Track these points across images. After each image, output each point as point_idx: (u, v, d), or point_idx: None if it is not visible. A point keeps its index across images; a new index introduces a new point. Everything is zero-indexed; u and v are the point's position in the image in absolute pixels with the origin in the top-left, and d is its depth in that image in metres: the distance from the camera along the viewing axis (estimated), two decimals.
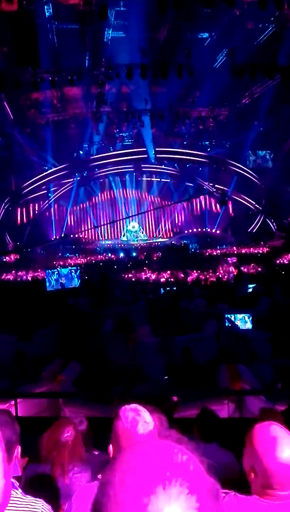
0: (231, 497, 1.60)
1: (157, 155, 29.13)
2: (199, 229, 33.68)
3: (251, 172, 29.00)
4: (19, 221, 29.57)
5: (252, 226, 30.56)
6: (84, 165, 29.51)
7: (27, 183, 27.81)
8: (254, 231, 30.35)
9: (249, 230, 30.42)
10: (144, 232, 34.98)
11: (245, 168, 28.90)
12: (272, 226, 29.95)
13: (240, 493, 1.63)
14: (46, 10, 16.11)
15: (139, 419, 1.77)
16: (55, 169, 28.69)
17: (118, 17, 16.84)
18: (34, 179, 28.08)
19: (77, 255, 28.97)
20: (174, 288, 14.40)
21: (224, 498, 1.54)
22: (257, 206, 30.22)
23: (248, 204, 30.59)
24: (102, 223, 33.80)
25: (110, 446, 1.85)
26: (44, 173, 28.60)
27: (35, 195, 29.27)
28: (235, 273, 18.15)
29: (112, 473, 0.66)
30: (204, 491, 0.64)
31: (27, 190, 28.06)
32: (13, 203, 27.95)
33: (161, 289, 14.55)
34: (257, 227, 30.38)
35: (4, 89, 18.68)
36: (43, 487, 2.34)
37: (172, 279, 17.97)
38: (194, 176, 32.29)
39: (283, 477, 1.55)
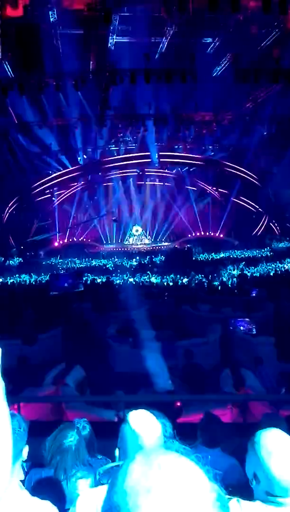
0: (234, 503, 1.59)
1: (161, 159, 29.16)
2: (203, 233, 33.70)
3: (254, 176, 28.99)
4: (23, 225, 29.67)
5: (256, 230, 30.52)
6: (95, 167, 29.58)
7: (32, 187, 27.90)
8: (258, 234, 30.31)
9: (252, 234, 30.39)
10: (147, 236, 35.02)
11: (249, 172, 28.90)
12: (275, 229, 29.90)
13: (243, 498, 1.62)
14: (50, 16, 16.21)
15: (147, 425, 1.77)
16: (64, 171, 28.75)
17: (122, 22, 16.92)
18: (41, 181, 28.17)
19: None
20: (178, 292, 14.37)
21: (228, 504, 1.53)
22: (261, 210, 30.20)
23: (252, 208, 30.57)
24: (105, 227, 33.93)
25: (117, 450, 1.86)
26: (51, 176, 28.64)
27: (39, 199, 29.36)
28: (238, 277, 18.10)
29: (119, 479, 0.67)
30: (209, 502, 0.64)
31: (31, 194, 28.15)
32: (17, 207, 28.05)
33: (165, 293, 14.53)
34: (260, 231, 30.34)
35: (9, 94, 18.77)
36: (47, 492, 2.34)
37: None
38: (197, 180, 32.35)
39: (285, 484, 1.55)
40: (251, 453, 1.67)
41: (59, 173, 28.73)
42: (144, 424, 1.77)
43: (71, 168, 28.80)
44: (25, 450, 1.95)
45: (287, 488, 1.55)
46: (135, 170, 31.71)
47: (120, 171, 31.28)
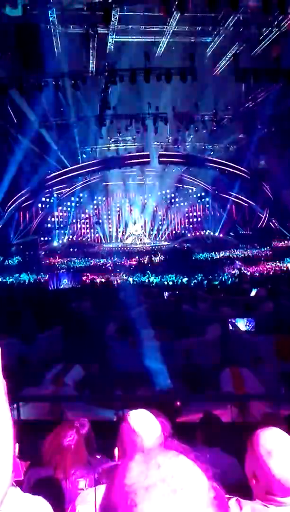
0: (234, 502, 1.59)
1: (160, 159, 29.15)
2: (202, 232, 33.70)
3: (254, 175, 28.97)
4: (22, 224, 29.64)
5: (256, 229, 30.51)
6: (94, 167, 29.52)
7: (33, 185, 27.85)
8: (257, 233, 30.30)
9: (252, 233, 30.39)
10: (147, 235, 35.02)
11: (248, 171, 28.88)
12: (275, 229, 29.88)
13: (243, 498, 1.62)
14: (50, 15, 16.20)
15: (146, 424, 1.76)
16: (63, 170, 28.67)
17: (122, 21, 16.92)
18: (41, 180, 28.12)
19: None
20: (177, 292, 14.37)
21: (227, 503, 1.53)
22: (260, 209, 30.20)
23: (252, 207, 30.57)
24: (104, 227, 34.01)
25: (116, 450, 1.85)
26: (52, 175, 28.57)
27: (38, 199, 29.36)
28: (238, 277, 18.11)
29: (118, 479, 0.66)
30: (208, 501, 0.64)
31: (30, 194, 28.10)
32: (17, 207, 28.01)
33: (165, 292, 14.53)
34: (260, 230, 30.33)
35: (8, 93, 18.76)
36: (46, 491, 2.33)
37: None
38: (197, 180, 32.34)
39: (284, 483, 1.54)
40: (251, 452, 1.67)
41: (58, 172, 28.69)
42: (143, 424, 1.76)
43: (70, 168, 28.77)
44: (16, 447, 1.96)
45: (287, 487, 1.54)
46: (134, 169, 31.68)
47: (120, 171, 31.26)
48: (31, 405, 5.18)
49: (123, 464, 0.69)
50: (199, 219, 34.56)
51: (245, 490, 1.69)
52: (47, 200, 30.92)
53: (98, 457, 2.96)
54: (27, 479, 2.58)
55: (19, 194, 27.60)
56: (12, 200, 27.57)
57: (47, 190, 29.48)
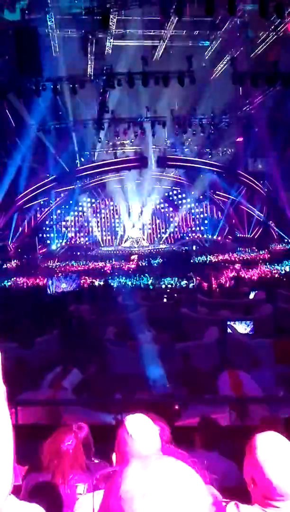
0: (232, 506, 1.58)
1: (158, 163, 29.21)
2: (200, 236, 33.74)
3: (252, 178, 29.03)
4: (20, 228, 29.62)
5: (254, 232, 30.57)
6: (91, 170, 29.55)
7: (29, 190, 27.83)
8: (256, 236, 30.35)
9: (250, 236, 30.44)
10: (145, 238, 35.02)
11: (247, 175, 28.94)
12: (273, 232, 29.95)
13: (241, 502, 1.61)
14: (48, 19, 16.25)
15: (143, 429, 1.75)
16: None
17: (120, 25, 16.99)
18: (37, 185, 28.11)
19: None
20: (175, 295, 14.37)
21: (226, 507, 1.53)
22: (259, 212, 30.26)
23: (250, 210, 30.62)
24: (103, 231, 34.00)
25: (114, 455, 1.84)
26: (46, 180, 28.57)
27: (37, 202, 29.35)
28: (236, 280, 18.12)
29: (116, 485, 0.66)
30: (204, 507, 0.64)
31: (29, 197, 28.08)
32: (15, 210, 27.99)
33: (163, 295, 14.52)
34: (258, 233, 30.38)
35: (6, 97, 18.80)
36: (44, 496, 2.32)
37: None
38: (195, 183, 32.38)
39: (283, 488, 1.54)
40: (249, 456, 1.66)
41: (56, 175, 28.69)
42: (141, 429, 1.75)
43: (68, 170, 28.79)
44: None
45: (285, 492, 1.54)
46: (132, 173, 31.70)
47: (118, 174, 31.27)
48: (29, 409, 5.17)
49: (121, 470, 0.69)
50: (197, 222, 34.61)
51: (244, 494, 1.68)
52: (45, 203, 30.92)
53: (96, 461, 2.95)
54: (25, 484, 2.57)
55: (17, 197, 27.58)
56: (10, 204, 27.55)
57: (45, 193, 29.40)
